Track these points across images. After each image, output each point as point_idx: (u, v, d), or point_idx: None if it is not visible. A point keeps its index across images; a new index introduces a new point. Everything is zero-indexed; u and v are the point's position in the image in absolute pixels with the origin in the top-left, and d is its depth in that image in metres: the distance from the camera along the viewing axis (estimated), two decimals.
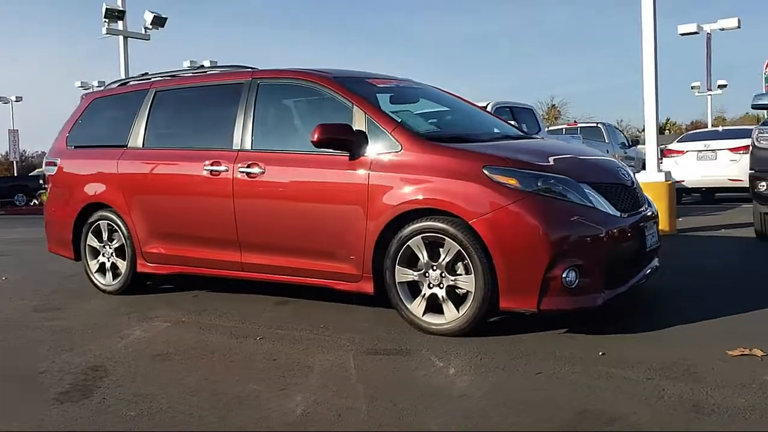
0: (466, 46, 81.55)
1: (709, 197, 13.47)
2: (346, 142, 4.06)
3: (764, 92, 7.74)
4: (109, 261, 5.37)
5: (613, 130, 15.93)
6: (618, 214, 3.86)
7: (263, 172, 4.42)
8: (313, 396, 2.95)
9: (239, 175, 4.51)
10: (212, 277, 5.05)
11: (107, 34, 11.57)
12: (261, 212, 4.48)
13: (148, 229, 5.04)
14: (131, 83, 5.68)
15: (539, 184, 3.66)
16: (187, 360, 3.60)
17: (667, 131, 53.14)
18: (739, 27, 23.34)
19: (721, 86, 29.57)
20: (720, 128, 15.08)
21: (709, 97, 29.14)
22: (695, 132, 15.32)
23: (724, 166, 12.28)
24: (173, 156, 4.96)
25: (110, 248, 5.34)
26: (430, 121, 4.90)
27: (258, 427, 2.64)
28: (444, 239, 3.76)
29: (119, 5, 11.69)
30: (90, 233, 5.43)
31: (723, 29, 23.75)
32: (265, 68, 4.78)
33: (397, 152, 3.97)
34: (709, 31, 25.20)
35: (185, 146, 4.95)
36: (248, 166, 4.47)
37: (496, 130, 4.83)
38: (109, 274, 5.38)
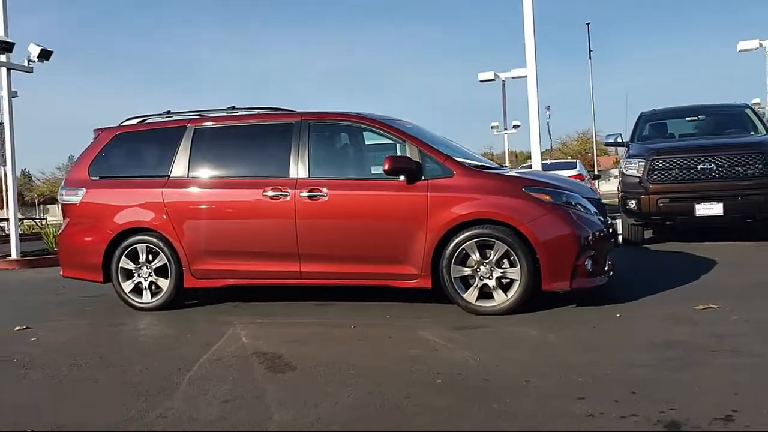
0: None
1: None
2: (407, 170, 5.20)
3: (613, 133, 10.00)
4: (146, 281, 5.88)
5: None
6: (602, 219, 5.41)
7: (325, 196, 5.38)
8: (464, 353, 4.01)
9: (301, 199, 5.42)
10: (259, 286, 5.84)
11: None
12: (323, 228, 5.42)
13: (199, 248, 5.69)
14: (157, 120, 6.24)
15: (563, 198, 5.10)
16: (324, 343, 4.48)
17: None
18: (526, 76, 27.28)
19: (515, 126, 33.87)
20: (548, 161, 17.87)
21: (506, 135, 33.31)
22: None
23: None
24: (226, 184, 5.70)
25: (148, 269, 5.87)
26: None
27: (470, 369, 3.67)
28: (493, 242, 5.03)
29: (3, 37, 11.44)
30: (124, 256, 5.90)
31: (515, 77, 27.54)
32: (312, 111, 5.74)
33: (450, 177, 5.19)
34: (504, 79, 29.03)
35: (236, 176, 5.72)
36: (310, 191, 5.40)
37: (489, 163, 6.23)
38: (146, 293, 5.89)
